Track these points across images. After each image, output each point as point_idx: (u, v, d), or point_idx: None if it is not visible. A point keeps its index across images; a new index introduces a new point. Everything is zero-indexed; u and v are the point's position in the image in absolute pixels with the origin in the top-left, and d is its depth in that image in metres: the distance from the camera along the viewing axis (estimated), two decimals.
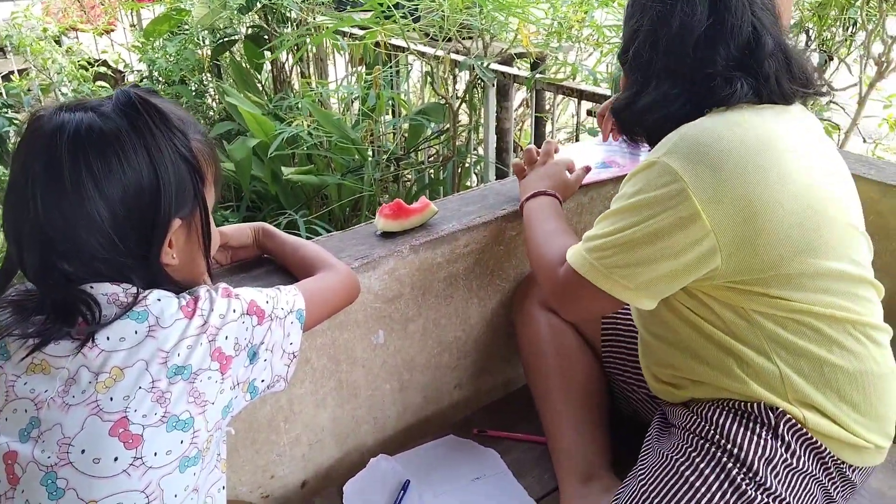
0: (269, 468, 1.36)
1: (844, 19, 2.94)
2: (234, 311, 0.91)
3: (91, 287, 0.85)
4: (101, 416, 0.80)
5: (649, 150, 1.19)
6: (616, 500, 1.17)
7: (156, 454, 0.81)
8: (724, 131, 1.04)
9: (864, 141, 3.00)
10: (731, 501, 1.06)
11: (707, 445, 1.11)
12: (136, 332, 0.83)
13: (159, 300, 0.86)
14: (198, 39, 4.07)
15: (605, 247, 1.07)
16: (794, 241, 1.02)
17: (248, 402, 0.96)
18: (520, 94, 3.40)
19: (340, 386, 1.39)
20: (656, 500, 1.10)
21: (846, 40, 2.91)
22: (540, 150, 1.49)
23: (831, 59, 2.57)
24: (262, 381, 0.97)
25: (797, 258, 1.03)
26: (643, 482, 1.14)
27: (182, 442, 0.84)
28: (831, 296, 1.06)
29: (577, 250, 1.12)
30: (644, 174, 1.06)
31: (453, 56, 2.71)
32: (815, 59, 2.49)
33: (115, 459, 0.79)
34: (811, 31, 2.68)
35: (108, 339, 0.83)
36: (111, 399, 0.81)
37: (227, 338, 0.89)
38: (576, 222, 1.63)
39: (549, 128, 2.92)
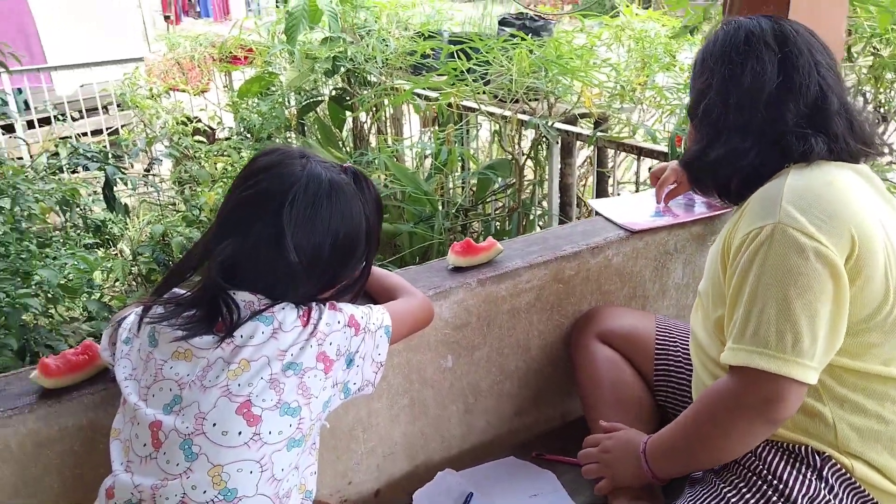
0: (347, 474, 1.52)
1: None
2: (339, 322, 1.09)
3: (234, 293, 1.04)
4: (230, 398, 0.99)
5: (714, 203, 1.29)
6: None
7: (270, 433, 0.99)
8: (823, 190, 1.12)
9: None
10: None
11: (754, 479, 1.20)
12: (262, 333, 1.02)
13: (283, 309, 1.05)
14: (286, 100, 4.43)
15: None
16: (886, 291, 1.11)
17: (342, 401, 1.13)
18: (584, 152, 3.58)
19: (413, 403, 1.55)
20: None
21: None
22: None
23: (885, 119, 2.66)
24: (354, 383, 1.14)
25: (885, 311, 1.11)
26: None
27: (290, 426, 1.02)
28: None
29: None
30: (768, 242, 1.09)
31: (520, 116, 2.91)
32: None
33: (239, 433, 0.98)
34: (867, 94, 2.78)
35: (241, 336, 1.02)
36: (239, 385, 0.99)
37: (331, 344, 1.07)
38: (631, 266, 1.77)
39: (610, 182, 3.08)
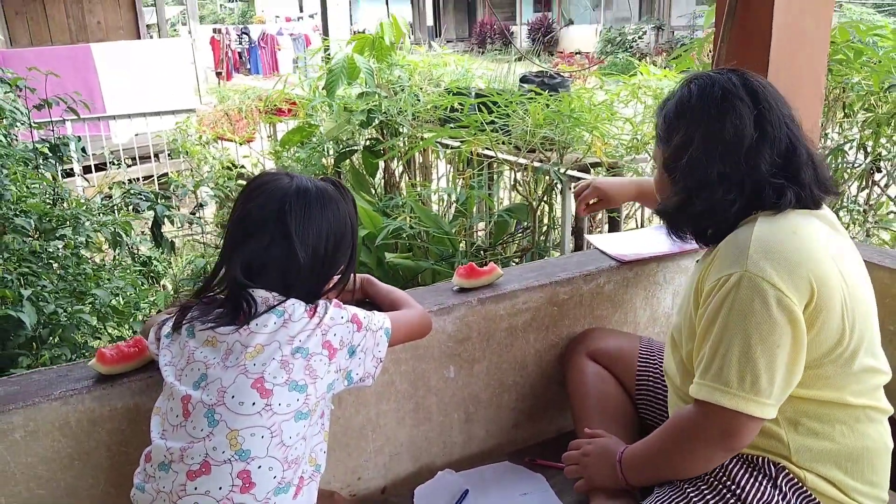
0: (357, 470, 1.69)
1: None
2: (342, 317, 1.29)
3: (253, 291, 1.25)
4: (247, 375, 1.19)
5: (691, 242, 1.41)
6: None
7: (280, 404, 1.18)
8: (787, 239, 1.22)
9: None
10: None
11: (716, 484, 1.35)
12: (274, 323, 1.23)
13: (293, 304, 1.26)
14: (324, 150, 4.74)
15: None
16: (843, 332, 1.23)
17: (345, 386, 1.32)
18: None
19: (417, 409, 1.72)
20: None
21: None
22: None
23: (879, 170, 2.81)
24: (357, 373, 1.33)
25: (841, 349, 1.23)
26: (657, 501, 1.39)
27: (298, 400, 1.21)
28: (849, 386, 1.26)
29: None
30: (735, 289, 1.20)
31: (535, 164, 3.13)
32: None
33: (253, 404, 1.17)
34: (868, 146, 2.94)
35: (256, 324, 1.22)
36: (254, 364, 1.19)
37: (335, 335, 1.27)
38: (622, 294, 1.94)
39: (622, 226, 3.25)
